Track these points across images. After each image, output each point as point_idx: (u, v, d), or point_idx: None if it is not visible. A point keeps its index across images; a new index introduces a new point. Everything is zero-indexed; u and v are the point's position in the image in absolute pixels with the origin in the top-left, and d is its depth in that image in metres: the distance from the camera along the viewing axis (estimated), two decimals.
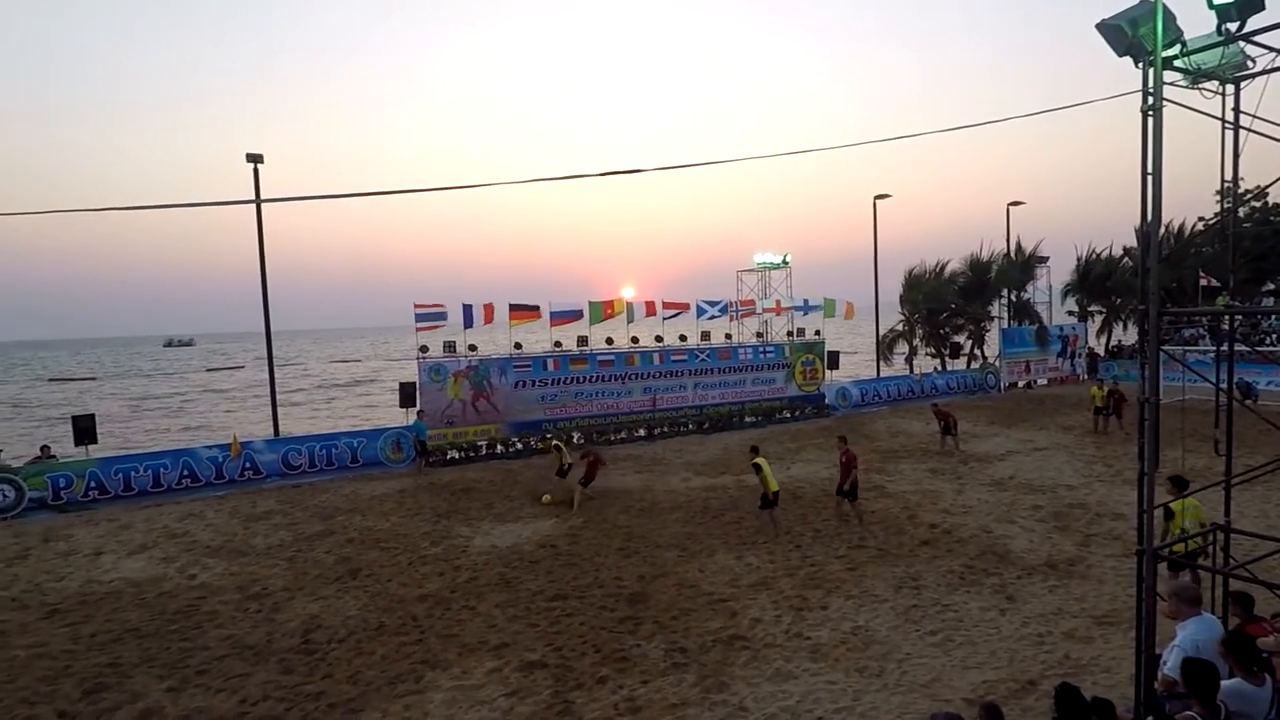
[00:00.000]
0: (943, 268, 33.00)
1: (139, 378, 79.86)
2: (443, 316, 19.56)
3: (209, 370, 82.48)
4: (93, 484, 15.83)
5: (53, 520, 14.80)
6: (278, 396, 21.02)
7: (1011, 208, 32.50)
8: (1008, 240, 32.75)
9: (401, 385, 20.40)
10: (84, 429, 16.94)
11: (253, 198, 17.78)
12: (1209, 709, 3.90)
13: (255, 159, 18.13)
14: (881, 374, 30.67)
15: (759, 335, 26.15)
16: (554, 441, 16.73)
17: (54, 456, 16.65)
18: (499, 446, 20.14)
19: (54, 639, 9.08)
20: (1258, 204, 33.19)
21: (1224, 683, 4.03)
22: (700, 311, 23.46)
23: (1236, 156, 5.81)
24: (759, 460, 12.47)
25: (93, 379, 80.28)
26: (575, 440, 20.26)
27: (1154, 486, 5.30)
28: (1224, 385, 6.16)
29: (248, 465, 17.39)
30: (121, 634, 9.16)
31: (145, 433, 37.31)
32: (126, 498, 15.99)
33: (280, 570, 11.40)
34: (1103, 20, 5.24)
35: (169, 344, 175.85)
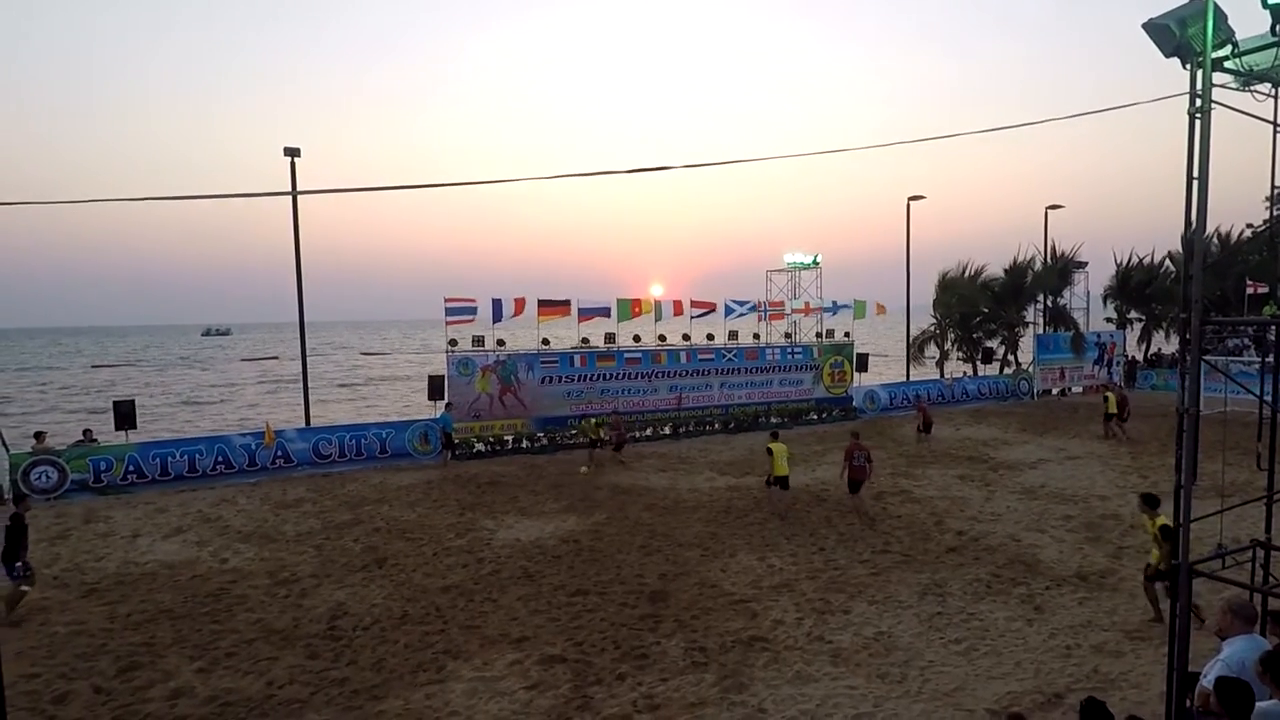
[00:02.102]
0: (978, 271, 32.46)
1: (178, 365, 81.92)
2: (472, 311, 19.75)
3: (244, 360, 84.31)
4: (131, 468, 16.29)
5: (93, 502, 15.26)
6: (310, 386, 21.39)
7: (1050, 211, 31.84)
8: (1045, 244, 32.09)
9: (430, 378, 20.63)
10: (124, 414, 17.40)
11: (289, 189, 18.12)
12: None
13: (293, 153, 18.45)
14: (911, 377, 30.29)
15: (787, 336, 25.98)
16: (595, 422, 18.47)
17: (95, 440, 17.13)
18: (524, 441, 20.28)
19: (92, 617, 9.35)
20: None
21: (1260, 704, 3.91)
22: (728, 311, 23.37)
23: None
24: (772, 445, 13.48)
25: (132, 365, 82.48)
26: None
27: (1190, 499, 5.16)
28: (1268, 397, 5.97)
29: (279, 453, 17.74)
30: (156, 614, 9.41)
31: (181, 419, 38.26)
32: (163, 482, 16.43)
33: (309, 557, 11.62)
34: (1150, 20, 5.10)
35: (207, 333, 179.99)
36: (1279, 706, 3.92)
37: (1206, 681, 4.39)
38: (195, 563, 11.46)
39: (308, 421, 20.18)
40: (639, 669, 7.75)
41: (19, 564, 9.41)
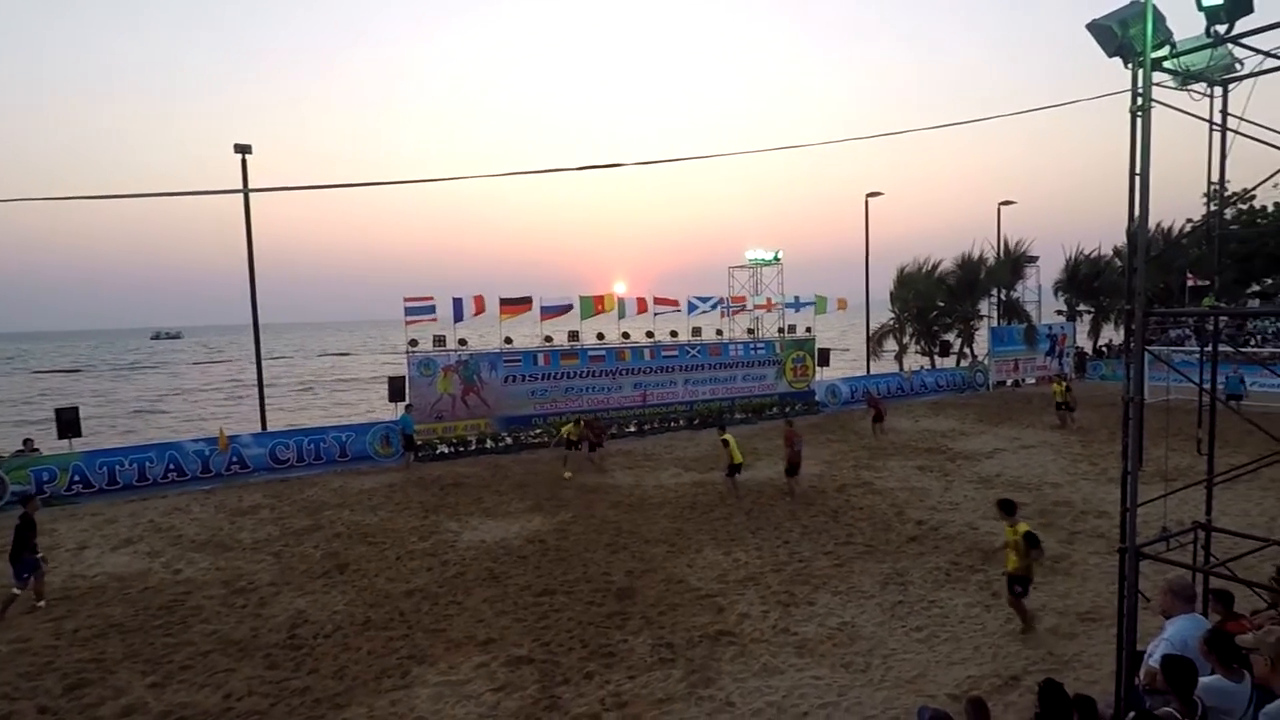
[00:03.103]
0: (934, 267, 33.16)
1: (126, 370, 79.18)
2: (432, 310, 19.50)
3: (196, 364, 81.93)
4: (76, 478, 15.67)
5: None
6: (265, 390, 20.86)
7: (1003, 207, 32.67)
8: (998, 239, 32.93)
9: (390, 379, 20.31)
10: (67, 422, 16.74)
11: (240, 187, 17.65)
12: (1187, 705, 3.94)
13: (243, 149, 17.97)
14: (872, 370, 30.81)
15: (750, 332, 26.18)
16: (576, 422, 18.20)
17: (37, 450, 16.46)
18: (488, 441, 20.09)
19: (36, 634, 8.99)
20: (1244, 206, 33.46)
21: (1203, 679, 4.07)
22: (691, 307, 23.46)
23: (1224, 158, 5.85)
24: (727, 437, 14.81)
25: (77, 370, 79.52)
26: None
27: (1137, 485, 5.34)
28: (1207, 386, 6.21)
29: (234, 459, 17.27)
30: (105, 629, 9.08)
31: (131, 427, 36.99)
32: (111, 491, 15.85)
33: (266, 565, 11.34)
34: (1093, 20, 5.25)
35: (156, 337, 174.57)
36: (1221, 680, 4.09)
37: (1152, 660, 4.56)
38: (147, 574, 11.09)
39: (264, 426, 19.69)
40: (607, 667, 7.74)
41: (27, 561, 9.69)
